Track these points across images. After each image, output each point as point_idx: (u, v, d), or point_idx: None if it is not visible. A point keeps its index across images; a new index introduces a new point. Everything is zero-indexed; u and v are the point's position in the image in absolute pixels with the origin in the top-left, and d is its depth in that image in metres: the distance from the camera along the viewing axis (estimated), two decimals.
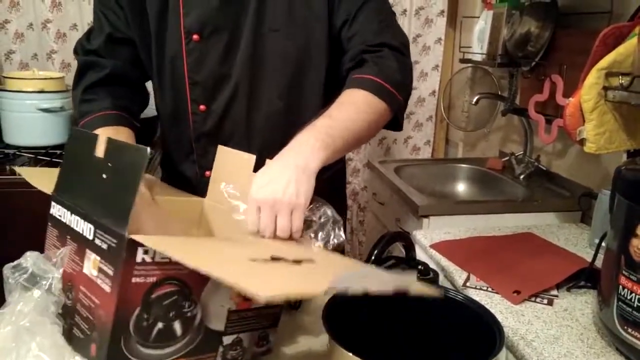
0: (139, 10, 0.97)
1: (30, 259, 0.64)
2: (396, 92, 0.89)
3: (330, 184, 1.13)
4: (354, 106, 0.85)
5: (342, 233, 0.78)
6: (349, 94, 0.87)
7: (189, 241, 0.65)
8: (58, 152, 1.82)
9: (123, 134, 0.94)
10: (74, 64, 2.11)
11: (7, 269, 0.63)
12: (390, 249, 0.97)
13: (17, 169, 0.86)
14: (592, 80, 1.02)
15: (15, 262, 0.64)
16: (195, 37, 0.94)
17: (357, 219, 2.46)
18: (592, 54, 1.06)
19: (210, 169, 0.89)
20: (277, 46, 0.95)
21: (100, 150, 0.62)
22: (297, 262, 0.60)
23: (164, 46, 0.98)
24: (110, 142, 0.61)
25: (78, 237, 0.62)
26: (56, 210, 0.67)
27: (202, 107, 0.99)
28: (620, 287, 0.78)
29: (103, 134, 0.67)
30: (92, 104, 0.99)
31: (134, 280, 0.55)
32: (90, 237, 0.59)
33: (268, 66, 0.96)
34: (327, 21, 0.94)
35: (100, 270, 0.57)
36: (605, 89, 1.02)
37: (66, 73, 2.09)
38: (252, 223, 0.72)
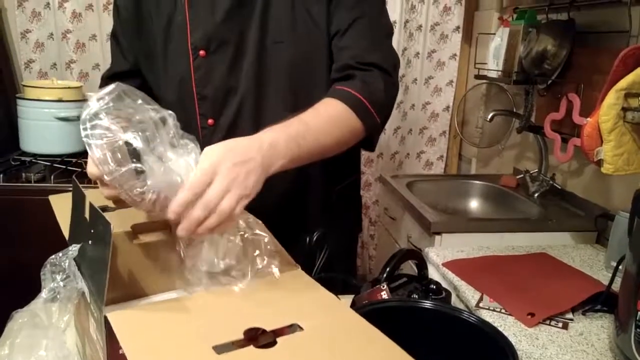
0: (142, 32, 1.00)
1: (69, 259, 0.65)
2: (376, 113, 0.89)
3: (343, 196, 1.13)
4: (331, 119, 0.85)
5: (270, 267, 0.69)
6: (329, 104, 0.86)
7: (154, 318, 0.60)
8: (73, 160, 1.84)
9: None
10: (92, 73, 2.15)
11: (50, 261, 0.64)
12: (402, 266, 0.96)
13: (51, 198, 0.87)
14: (611, 100, 1.01)
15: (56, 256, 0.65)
16: (202, 52, 0.95)
17: (367, 233, 2.45)
18: (611, 74, 1.05)
19: None
20: (281, 57, 0.96)
21: (86, 212, 0.61)
22: (278, 334, 0.55)
23: (170, 63, 0.99)
24: (91, 207, 0.60)
25: (83, 295, 0.62)
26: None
27: (210, 121, 0.99)
28: (639, 313, 0.76)
29: None
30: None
31: (121, 351, 0.53)
32: (89, 300, 0.60)
33: (273, 78, 0.97)
34: (327, 30, 0.95)
35: (95, 335, 0.58)
36: (625, 109, 1.01)
37: (84, 82, 2.12)
38: (197, 182, 0.62)
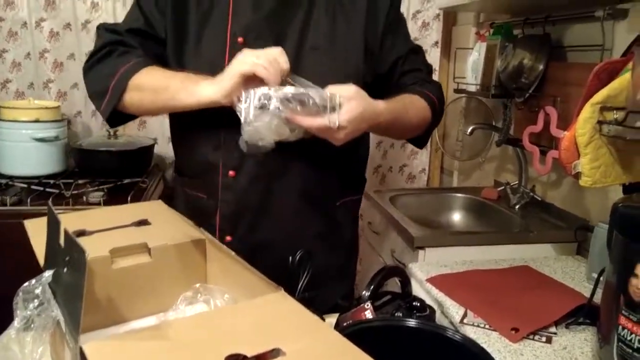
0: (180, 10, 1.01)
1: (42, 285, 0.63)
2: (439, 113, 1.14)
3: (343, 210, 1.13)
4: (419, 112, 1.08)
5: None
6: (417, 100, 1.08)
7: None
8: (51, 182, 1.81)
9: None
10: (71, 92, 2.12)
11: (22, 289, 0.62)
12: (387, 281, 0.96)
13: (27, 223, 0.86)
14: (587, 114, 1.03)
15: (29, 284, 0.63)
16: (240, 39, 0.98)
17: None
18: (586, 88, 1.06)
19: (235, 169, 1.00)
20: (316, 63, 1.00)
21: (61, 239, 0.60)
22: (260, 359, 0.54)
23: (203, 46, 1.00)
24: (66, 233, 0.59)
25: (59, 324, 0.60)
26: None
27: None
28: (620, 327, 0.76)
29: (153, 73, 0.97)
30: (123, 56, 1.01)
31: None
32: (64, 330, 0.58)
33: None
34: (363, 50, 1.04)
35: None
36: (600, 123, 1.03)
37: (62, 102, 2.10)
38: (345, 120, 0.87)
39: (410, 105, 1.06)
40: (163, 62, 1.03)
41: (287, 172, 1.03)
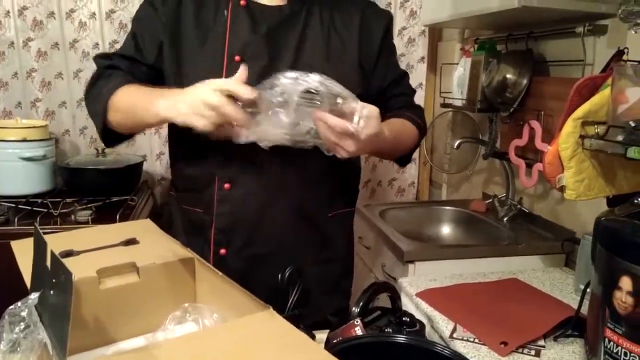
0: (177, 30, 1.04)
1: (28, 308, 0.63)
2: (421, 138, 1.19)
3: (336, 223, 1.14)
4: (409, 137, 1.14)
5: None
6: (408, 124, 1.13)
7: None
8: (39, 201, 1.79)
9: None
10: (59, 111, 2.12)
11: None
12: (378, 297, 0.96)
13: (13, 244, 0.85)
14: (569, 129, 1.05)
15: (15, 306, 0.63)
16: (236, 57, 1.00)
17: None
18: (567, 104, 1.09)
19: (231, 181, 1.02)
20: None
21: (48, 261, 0.60)
22: None
23: (200, 64, 1.02)
24: (52, 255, 0.59)
25: (46, 347, 0.60)
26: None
27: None
28: (606, 339, 0.77)
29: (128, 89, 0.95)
30: (108, 78, 1.05)
31: None
32: (51, 353, 0.58)
33: None
34: (358, 70, 1.07)
35: None
36: (582, 137, 1.04)
37: (50, 121, 2.09)
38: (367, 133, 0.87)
39: (404, 130, 1.12)
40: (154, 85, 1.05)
41: (283, 184, 1.04)
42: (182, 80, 1.03)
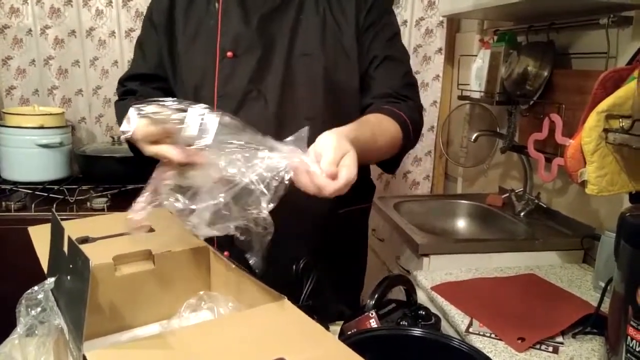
0: (173, 35, 1.04)
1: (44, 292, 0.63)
2: (413, 138, 1.00)
3: (347, 220, 1.11)
4: (389, 138, 0.95)
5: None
6: (388, 122, 0.95)
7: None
8: (55, 187, 1.81)
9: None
10: (75, 99, 2.13)
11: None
12: (392, 290, 0.95)
13: (31, 229, 0.86)
14: (593, 122, 1.02)
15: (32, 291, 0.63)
16: (229, 54, 0.98)
17: None
18: (591, 96, 1.06)
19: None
20: (307, 68, 0.99)
21: (65, 246, 0.60)
22: None
23: (192, 62, 1.02)
24: (70, 241, 0.59)
25: (62, 332, 0.60)
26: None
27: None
28: (629, 338, 0.75)
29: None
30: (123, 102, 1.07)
31: None
32: (67, 338, 0.58)
33: (298, 88, 1.00)
34: (357, 57, 1.01)
35: None
36: (606, 131, 1.02)
37: (66, 108, 2.10)
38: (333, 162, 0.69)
39: (379, 130, 0.93)
40: (168, 93, 1.07)
41: None
42: (177, 83, 1.05)
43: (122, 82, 1.13)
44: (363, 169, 1.16)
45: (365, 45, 1.02)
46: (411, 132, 0.98)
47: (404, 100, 1.01)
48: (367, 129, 0.88)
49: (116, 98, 1.16)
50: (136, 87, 1.09)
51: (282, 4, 1.00)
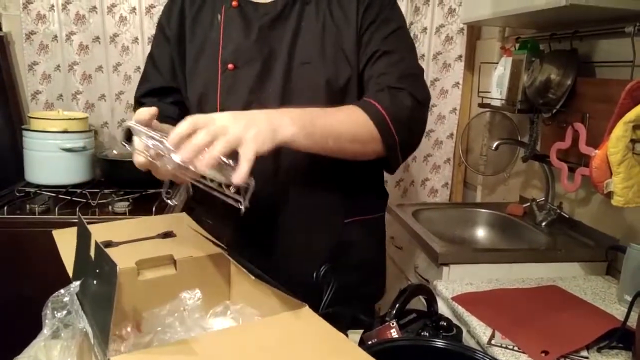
0: (182, 48, 1.06)
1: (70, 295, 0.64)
2: (395, 130, 0.91)
3: (365, 227, 1.11)
4: (350, 117, 0.89)
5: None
6: (350, 108, 0.91)
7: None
8: (78, 191, 1.84)
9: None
10: (98, 104, 2.17)
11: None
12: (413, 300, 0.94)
13: (55, 233, 0.87)
14: (619, 133, 1.01)
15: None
16: (230, 66, 0.99)
17: None
18: (618, 106, 1.04)
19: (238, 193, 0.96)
20: (307, 77, 0.99)
21: (92, 251, 0.61)
22: None
23: (198, 75, 1.03)
24: (97, 245, 0.60)
25: (87, 335, 0.61)
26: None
27: None
28: None
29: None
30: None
31: None
32: (92, 342, 0.58)
33: (298, 97, 0.99)
34: (356, 57, 0.99)
35: None
36: (633, 142, 1.00)
37: (90, 113, 2.14)
38: (179, 132, 0.69)
39: (342, 117, 0.89)
40: (184, 105, 1.09)
41: (289, 194, 1.01)
42: (187, 93, 1.06)
43: (139, 99, 1.13)
44: (370, 180, 1.15)
45: (364, 44, 1.00)
46: (390, 126, 0.90)
47: (398, 89, 0.94)
48: (310, 111, 0.85)
49: None
50: (154, 104, 1.06)
51: (282, 13, 0.99)
